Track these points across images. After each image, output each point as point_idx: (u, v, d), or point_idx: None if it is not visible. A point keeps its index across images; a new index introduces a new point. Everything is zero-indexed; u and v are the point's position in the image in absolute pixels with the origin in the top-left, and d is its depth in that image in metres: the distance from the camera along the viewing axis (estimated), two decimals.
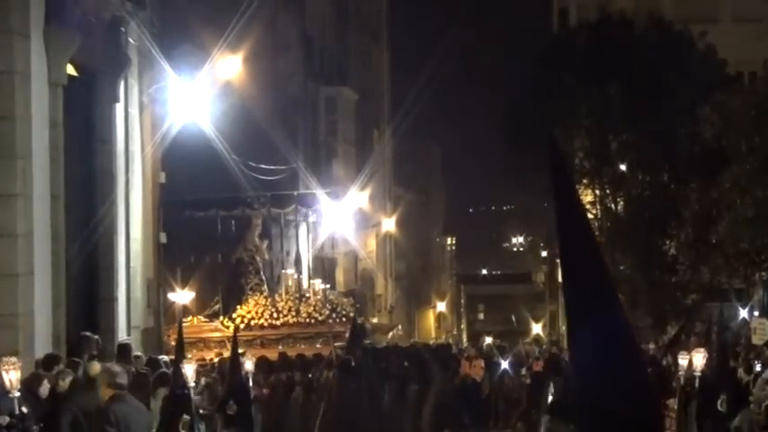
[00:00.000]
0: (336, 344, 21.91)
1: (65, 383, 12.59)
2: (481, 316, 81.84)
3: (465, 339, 60.19)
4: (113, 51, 19.72)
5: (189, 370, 14.09)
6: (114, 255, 19.66)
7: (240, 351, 18.78)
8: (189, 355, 15.78)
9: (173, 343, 19.32)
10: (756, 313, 27.64)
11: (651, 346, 23.43)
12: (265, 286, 26.15)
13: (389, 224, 52.57)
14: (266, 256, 27.29)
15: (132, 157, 20.84)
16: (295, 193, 29.49)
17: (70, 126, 17.59)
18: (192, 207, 25.85)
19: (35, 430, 11.82)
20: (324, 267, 37.30)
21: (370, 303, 45.14)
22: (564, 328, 43.87)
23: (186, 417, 13.87)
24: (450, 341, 44.00)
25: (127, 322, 20.16)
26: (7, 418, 11.43)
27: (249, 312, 24.77)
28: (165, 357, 17.44)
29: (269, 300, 25.34)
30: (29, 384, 12.50)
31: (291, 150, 33.74)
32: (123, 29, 19.98)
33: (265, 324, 24.65)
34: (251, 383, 16.89)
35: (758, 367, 16.80)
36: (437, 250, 72.62)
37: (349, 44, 47.50)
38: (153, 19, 21.90)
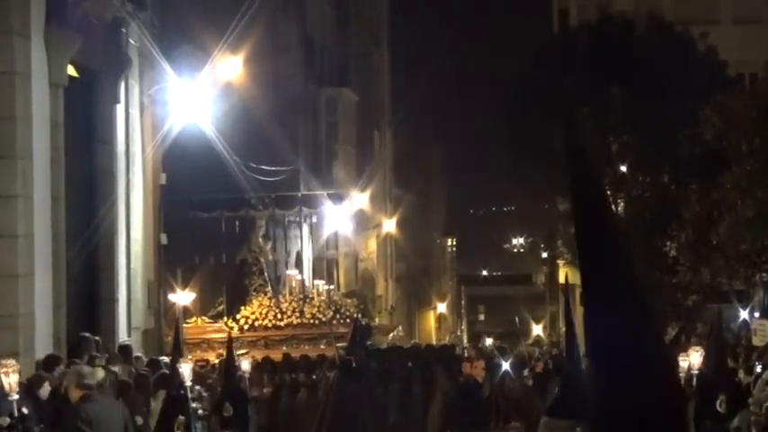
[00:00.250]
0: (339, 345, 21.90)
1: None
2: (482, 317, 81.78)
3: (465, 340, 60.12)
4: (114, 52, 19.73)
5: (186, 370, 14.09)
6: (115, 256, 19.67)
7: (242, 352, 18.78)
8: (190, 356, 15.78)
9: None
10: (757, 314, 27.59)
11: None
12: (269, 287, 26.13)
13: (390, 225, 52.50)
14: (270, 257, 27.30)
15: (133, 158, 20.84)
16: (299, 194, 29.46)
17: (71, 127, 17.60)
18: (197, 208, 25.83)
19: (36, 431, 11.83)
20: (325, 268, 37.27)
21: (371, 304, 45.07)
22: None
23: (182, 417, 13.87)
24: (453, 342, 43.94)
25: (127, 323, 20.16)
26: (8, 419, 11.44)
27: (253, 313, 24.74)
28: (165, 358, 17.42)
29: (273, 301, 25.31)
30: (29, 385, 12.50)
31: (292, 151, 33.72)
32: (124, 30, 19.99)
33: (269, 325, 24.61)
34: (247, 384, 16.88)
35: (758, 368, 16.79)
36: (438, 251, 72.54)
37: (349, 45, 47.47)
38: (154, 20, 21.91)
